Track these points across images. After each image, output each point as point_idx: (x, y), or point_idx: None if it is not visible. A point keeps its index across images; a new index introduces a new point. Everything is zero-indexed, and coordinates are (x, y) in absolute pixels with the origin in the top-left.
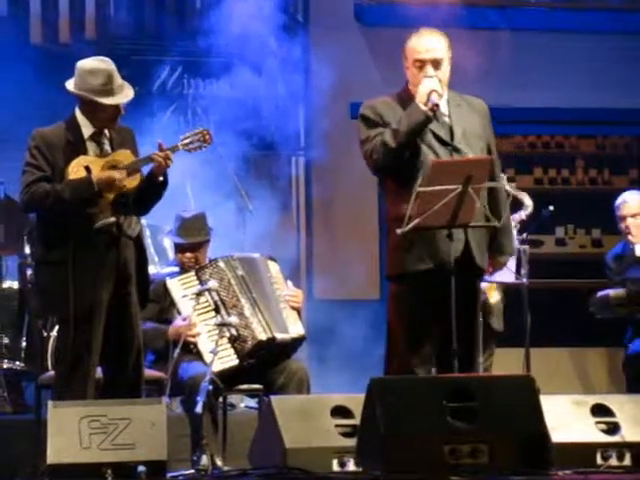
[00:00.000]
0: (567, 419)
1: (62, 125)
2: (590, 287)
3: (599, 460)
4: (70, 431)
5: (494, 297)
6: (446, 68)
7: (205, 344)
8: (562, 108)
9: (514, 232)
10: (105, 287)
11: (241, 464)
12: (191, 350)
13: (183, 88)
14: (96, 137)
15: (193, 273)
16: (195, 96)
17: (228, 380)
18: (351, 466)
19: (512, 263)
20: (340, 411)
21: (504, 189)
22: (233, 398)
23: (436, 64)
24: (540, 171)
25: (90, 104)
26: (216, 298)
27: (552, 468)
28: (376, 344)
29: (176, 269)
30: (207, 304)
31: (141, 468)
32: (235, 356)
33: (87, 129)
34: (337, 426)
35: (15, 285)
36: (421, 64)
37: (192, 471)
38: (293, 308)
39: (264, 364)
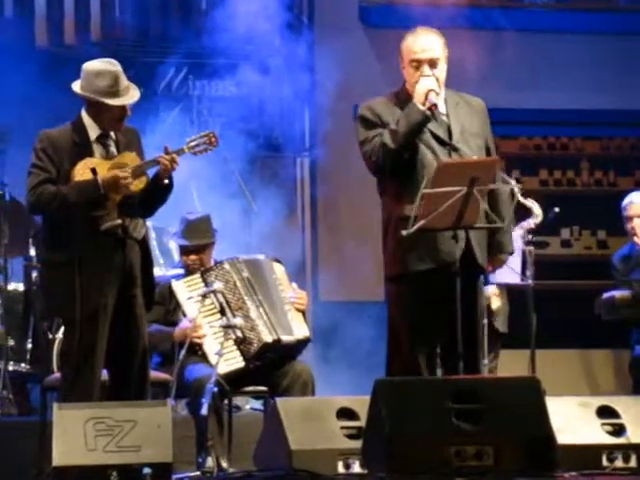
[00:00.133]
0: (573, 421)
1: (68, 127)
2: (596, 288)
3: (605, 462)
4: (75, 433)
5: (495, 303)
6: (443, 67)
7: (211, 346)
8: (567, 109)
9: (520, 238)
10: (111, 289)
11: (246, 466)
12: (196, 352)
13: (188, 89)
14: (102, 139)
15: (198, 275)
16: (200, 97)
17: (233, 382)
18: (356, 468)
19: (517, 264)
20: (345, 413)
21: (508, 191)
22: (238, 400)
23: (433, 63)
24: (545, 172)
25: (96, 105)
26: (221, 300)
27: (557, 470)
28: (382, 345)
29: (181, 271)
30: (212, 306)
31: (146, 470)
32: (241, 358)
33: (93, 131)
34: (342, 428)
35: (20, 287)
36: (417, 64)
37: (197, 473)
38: (298, 310)
39: (269, 366)
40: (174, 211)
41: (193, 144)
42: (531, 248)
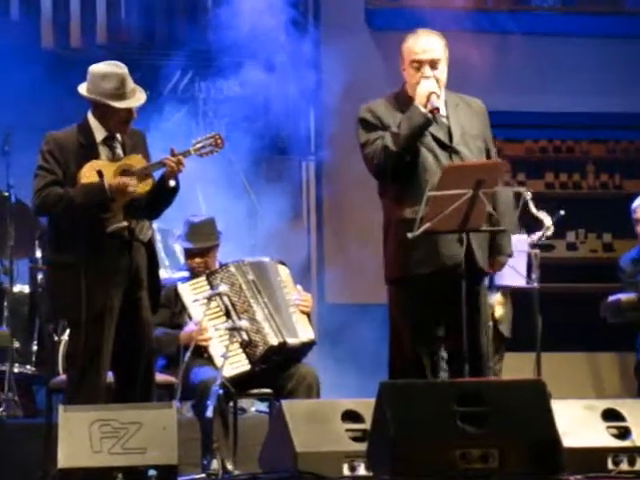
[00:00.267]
0: (578, 424)
1: (74, 129)
2: (601, 291)
3: (610, 465)
4: (81, 435)
5: (498, 311)
6: (444, 68)
7: (216, 349)
8: (573, 112)
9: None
10: (117, 292)
11: (252, 468)
12: (202, 355)
13: (194, 91)
14: (108, 141)
15: (204, 278)
16: (206, 99)
17: (239, 384)
18: (361, 470)
19: (523, 267)
20: (350, 415)
21: (511, 195)
22: (244, 402)
23: (433, 64)
24: (551, 175)
25: (103, 108)
26: (227, 302)
27: (563, 473)
28: (387, 347)
29: (186, 274)
30: (218, 309)
31: (152, 472)
32: (247, 361)
33: (99, 133)
34: (347, 430)
35: (26, 289)
36: (418, 64)
37: (203, 475)
38: (303, 312)
39: (274, 368)
40: (179, 213)
41: (199, 146)
42: (537, 251)
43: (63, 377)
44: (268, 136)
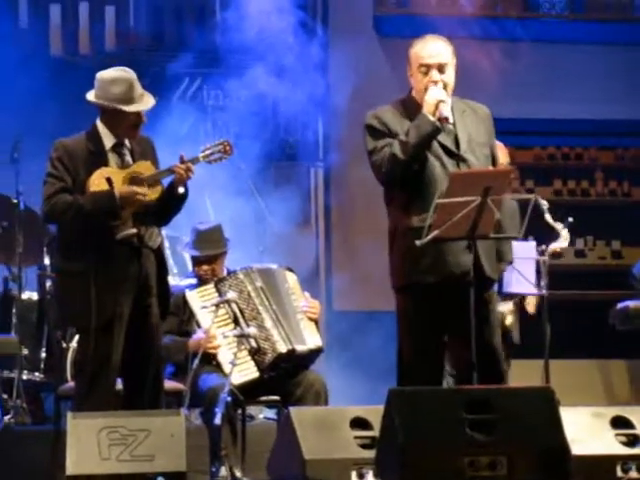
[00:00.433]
0: (587, 431)
1: (83, 136)
2: (610, 299)
3: (619, 473)
4: (89, 442)
5: (509, 320)
6: (451, 73)
7: (225, 356)
8: (582, 119)
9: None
10: (126, 299)
11: (260, 475)
12: (211, 362)
13: (203, 98)
14: (117, 148)
15: (212, 285)
16: (214, 106)
17: (247, 392)
18: (370, 477)
19: (532, 274)
20: (359, 422)
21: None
22: (252, 409)
23: (441, 68)
24: (559, 182)
25: (113, 113)
26: (235, 310)
27: None
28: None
29: (194, 281)
30: (226, 316)
31: (160, 479)
32: (255, 369)
33: (108, 140)
34: (356, 437)
35: (34, 296)
36: (426, 69)
37: None
38: (311, 319)
39: (282, 375)
40: (188, 220)
41: (208, 152)
42: (545, 258)
43: (71, 384)
44: (276, 142)
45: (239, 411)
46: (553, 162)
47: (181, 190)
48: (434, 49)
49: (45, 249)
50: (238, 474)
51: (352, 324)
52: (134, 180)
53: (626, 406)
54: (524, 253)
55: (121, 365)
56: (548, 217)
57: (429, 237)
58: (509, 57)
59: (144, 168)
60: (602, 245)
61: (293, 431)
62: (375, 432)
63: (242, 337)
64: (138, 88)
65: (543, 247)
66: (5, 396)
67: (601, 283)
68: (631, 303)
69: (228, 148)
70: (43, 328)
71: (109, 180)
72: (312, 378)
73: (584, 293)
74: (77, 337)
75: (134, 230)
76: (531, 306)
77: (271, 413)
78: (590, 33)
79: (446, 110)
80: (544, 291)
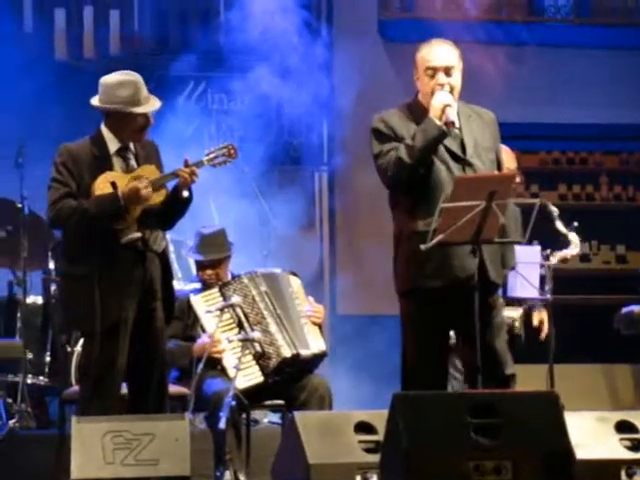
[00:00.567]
0: (591, 436)
1: (88, 141)
2: (615, 303)
3: (624, 477)
4: (94, 446)
5: (519, 327)
6: (458, 77)
7: (229, 360)
8: (586, 124)
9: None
10: (131, 303)
11: None
12: (215, 366)
13: (207, 102)
14: (122, 152)
15: (217, 289)
16: (219, 110)
17: (251, 396)
18: None
19: (536, 279)
20: (363, 427)
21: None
22: (256, 413)
23: (448, 71)
24: (564, 187)
25: (120, 116)
26: (240, 314)
27: None
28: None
29: (198, 285)
30: (231, 320)
31: None
32: (260, 373)
33: (113, 144)
34: (360, 442)
35: (39, 300)
36: (433, 72)
37: None
38: (314, 323)
39: (286, 380)
40: (192, 224)
41: (212, 156)
42: (550, 263)
43: (76, 388)
44: (281, 144)
45: (243, 415)
46: (558, 166)
47: (185, 194)
48: (441, 52)
49: (50, 253)
50: (242, 478)
51: (356, 328)
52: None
53: (631, 411)
54: (529, 258)
55: (126, 369)
56: (559, 224)
57: (434, 241)
58: (514, 61)
59: (149, 172)
60: (607, 249)
61: (297, 435)
62: (379, 436)
63: (246, 341)
64: (144, 90)
65: (548, 251)
66: (10, 400)
67: (606, 288)
68: (636, 308)
69: (232, 151)
70: (48, 332)
71: (114, 184)
72: (316, 382)
73: (589, 298)
74: (82, 341)
75: (139, 234)
76: (543, 331)
77: (275, 417)
78: (595, 37)
79: (452, 114)
80: (548, 296)
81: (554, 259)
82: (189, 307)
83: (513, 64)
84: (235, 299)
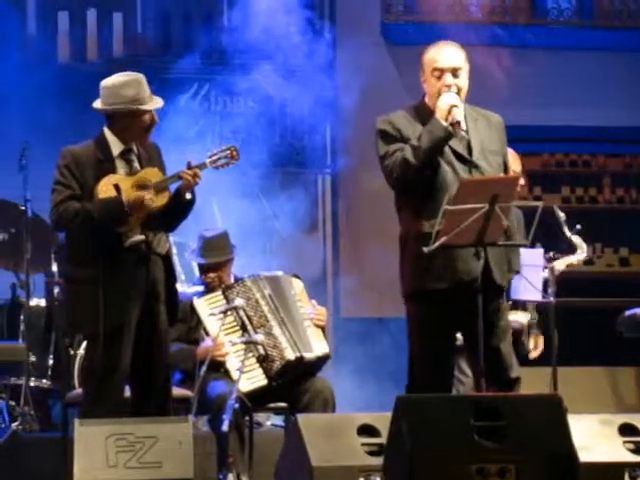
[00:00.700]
0: (595, 438)
1: (91, 143)
2: (618, 306)
3: None
4: (97, 449)
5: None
6: (465, 78)
7: (233, 363)
8: (590, 126)
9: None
10: (134, 305)
11: None
12: (219, 369)
13: (210, 103)
14: (125, 155)
15: (220, 292)
16: (222, 111)
17: (254, 398)
18: None
19: (539, 282)
20: (366, 430)
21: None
22: (259, 416)
23: (455, 72)
24: (567, 190)
25: (126, 117)
26: (243, 317)
27: None
28: (403, 361)
29: (201, 288)
30: (234, 323)
31: None
32: (263, 376)
33: (116, 147)
34: (363, 444)
35: (42, 303)
36: (440, 73)
37: None
38: (317, 326)
39: (289, 382)
40: (195, 226)
41: (215, 158)
42: (553, 265)
43: (79, 391)
44: (284, 146)
45: (247, 418)
46: (561, 169)
47: (188, 196)
48: (448, 53)
49: (53, 256)
50: None
51: (359, 330)
52: (142, 187)
53: (634, 413)
54: (532, 260)
55: (129, 372)
56: (566, 230)
57: (437, 244)
58: (517, 64)
59: (152, 174)
60: (610, 252)
61: (301, 438)
62: (382, 439)
63: (250, 344)
64: (148, 89)
65: (551, 254)
66: (13, 403)
67: (609, 290)
68: (639, 310)
69: (235, 153)
70: (51, 335)
71: (117, 187)
72: (320, 385)
73: (592, 300)
74: (85, 344)
75: (142, 237)
76: (536, 352)
77: (279, 420)
78: (597, 40)
79: (459, 115)
80: (552, 298)
81: (560, 264)
82: (192, 310)
83: (516, 66)
84: (238, 302)
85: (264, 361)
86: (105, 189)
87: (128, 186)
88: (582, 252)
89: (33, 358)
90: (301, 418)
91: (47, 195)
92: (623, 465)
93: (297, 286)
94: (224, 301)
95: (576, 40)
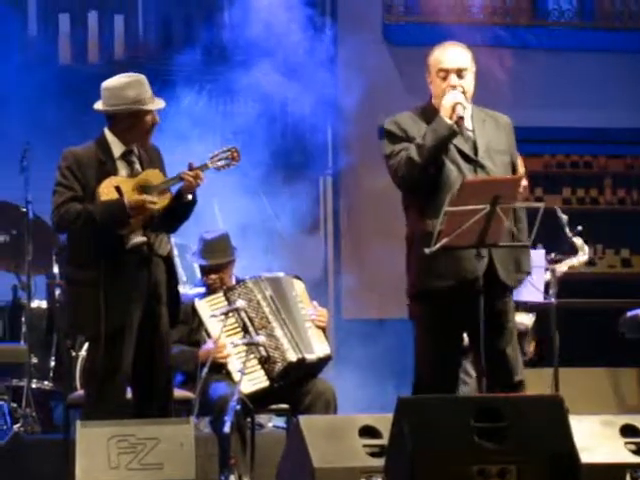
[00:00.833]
0: (596, 439)
1: (92, 145)
2: (619, 307)
3: None
4: (98, 451)
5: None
6: (471, 79)
7: (235, 365)
8: (591, 127)
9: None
10: (136, 307)
11: None
12: (220, 370)
13: (211, 108)
14: (126, 156)
15: (221, 294)
16: (224, 116)
17: (256, 400)
18: None
19: (541, 283)
20: (368, 431)
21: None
22: (261, 418)
23: (460, 73)
24: (569, 191)
25: (129, 118)
26: (244, 318)
27: None
28: (405, 362)
29: (203, 290)
30: (236, 324)
31: None
32: (265, 378)
33: (117, 148)
34: (365, 446)
35: (44, 304)
36: (445, 74)
37: None
38: (318, 327)
39: (291, 384)
40: (197, 227)
41: (216, 159)
42: (555, 266)
43: (81, 392)
44: (285, 146)
45: (248, 419)
46: (562, 170)
47: (189, 197)
48: (453, 54)
49: (54, 257)
50: None
51: (360, 330)
52: (143, 189)
53: (636, 414)
54: (533, 262)
55: (131, 373)
56: (568, 231)
57: (438, 245)
58: (518, 65)
59: (153, 176)
60: (611, 253)
61: (302, 439)
62: (384, 440)
63: (251, 345)
64: (149, 90)
65: (552, 255)
66: (14, 405)
67: (610, 291)
68: None
69: (236, 154)
70: (52, 336)
71: (118, 189)
72: (321, 386)
73: (593, 301)
74: (86, 345)
75: (144, 238)
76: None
77: (280, 421)
78: (599, 41)
79: (462, 111)
80: (553, 299)
81: (562, 266)
82: (194, 311)
83: (517, 67)
84: (240, 303)
85: (266, 362)
86: (107, 191)
87: (129, 188)
88: (584, 254)
89: (35, 360)
90: (303, 419)
91: (48, 197)
92: (625, 466)
93: (298, 287)
94: (225, 303)
95: (577, 41)
